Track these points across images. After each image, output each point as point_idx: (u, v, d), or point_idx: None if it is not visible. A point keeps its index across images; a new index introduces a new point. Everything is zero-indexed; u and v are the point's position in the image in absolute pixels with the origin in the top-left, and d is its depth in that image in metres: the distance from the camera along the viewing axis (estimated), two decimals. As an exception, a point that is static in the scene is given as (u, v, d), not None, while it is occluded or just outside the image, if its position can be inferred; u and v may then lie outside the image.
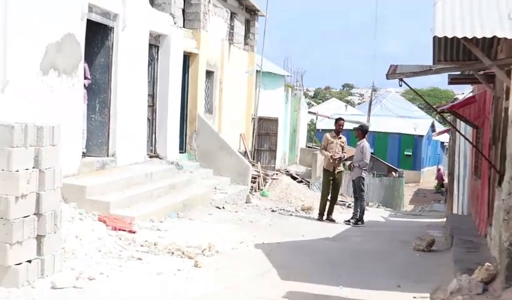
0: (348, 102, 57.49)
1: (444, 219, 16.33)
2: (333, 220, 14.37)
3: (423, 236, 11.96)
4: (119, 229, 9.18)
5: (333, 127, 15.25)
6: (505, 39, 8.49)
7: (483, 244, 9.98)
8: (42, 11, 9.82)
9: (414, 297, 7.22)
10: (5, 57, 9.03)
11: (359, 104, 54.62)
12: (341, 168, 14.79)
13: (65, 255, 7.25)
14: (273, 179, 19.61)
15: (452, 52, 10.00)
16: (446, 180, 29.23)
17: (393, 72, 10.52)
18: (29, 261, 6.38)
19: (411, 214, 23.23)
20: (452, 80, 13.43)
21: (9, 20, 9.05)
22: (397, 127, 42.25)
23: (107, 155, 12.30)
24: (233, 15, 19.97)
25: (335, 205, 14.94)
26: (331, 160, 14.51)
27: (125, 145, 12.74)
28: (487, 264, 6.87)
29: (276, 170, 21.92)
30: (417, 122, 43.81)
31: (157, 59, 14.79)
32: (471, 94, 16.08)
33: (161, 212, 11.16)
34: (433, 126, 44.16)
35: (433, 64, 10.43)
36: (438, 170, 40.13)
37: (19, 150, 6.21)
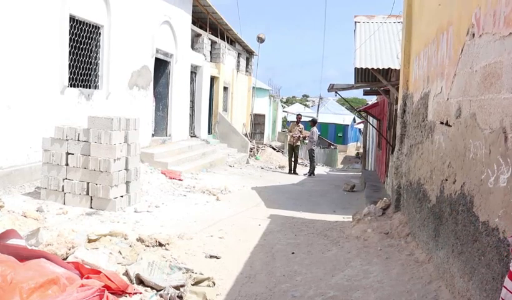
0: (305, 105, 56.95)
1: (360, 173, 16.43)
2: (296, 173, 14.40)
3: (348, 182, 12.03)
4: (173, 178, 9.22)
5: (295, 119, 15.26)
6: (395, 69, 8.52)
7: (382, 187, 10.08)
8: (129, 53, 9.75)
9: (343, 217, 7.27)
10: (108, 79, 9.00)
11: (312, 106, 54.16)
12: (298, 143, 14.62)
13: (142, 193, 7.31)
14: (262, 149, 19.56)
15: (365, 76, 10.01)
16: (360, 150, 29.06)
17: (331, 88, 10.51)
18: (122, 196, 6.43)
19: (341, 170, 23.32)
20: (365, 93, 13.44)
21: (111, 58, 9.00)
22: (333, 119, 41.99)
23: (166, 135, 12.23)
24: (239, 55, 19.71)
25: (297, 164, 14.95)
26: (292, 138, 14.51)
27: (176, 130, 12.65)
28: (385, 198, 6.95)
29: (264, 144, 21.84)
30: (345, 117, 43.66)
31: (195, 80, 14.63)
32: (376, 101, 16.08)
33: (197, 168, 11.16)
34: (354, 120, 43.87)
35: (354, 83, 10.45)
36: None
37: (115, 132, 6.21)
